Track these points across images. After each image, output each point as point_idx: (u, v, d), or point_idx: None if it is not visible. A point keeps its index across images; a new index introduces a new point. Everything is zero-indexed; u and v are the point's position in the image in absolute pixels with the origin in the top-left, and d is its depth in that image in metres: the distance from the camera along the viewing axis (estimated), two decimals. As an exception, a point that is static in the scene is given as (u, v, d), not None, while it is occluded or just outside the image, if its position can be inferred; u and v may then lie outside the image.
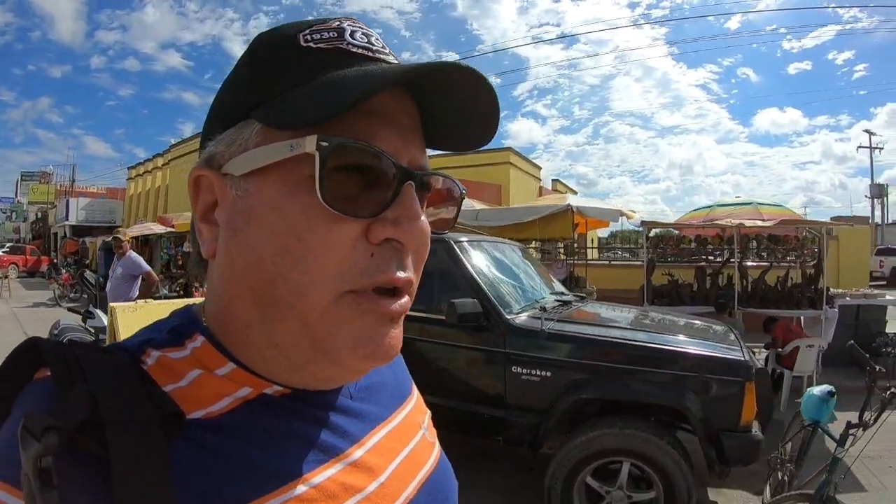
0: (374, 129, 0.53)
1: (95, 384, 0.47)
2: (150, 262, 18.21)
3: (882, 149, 46.60)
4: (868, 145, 46.04)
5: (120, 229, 10.43)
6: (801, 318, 8.69)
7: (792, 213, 9.99)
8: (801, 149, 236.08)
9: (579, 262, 14.27)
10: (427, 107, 0.59)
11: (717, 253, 10.81)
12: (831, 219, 13.67)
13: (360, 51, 0.56)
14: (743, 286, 9.30)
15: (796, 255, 10.68)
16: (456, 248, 4.65)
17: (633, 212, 11.95)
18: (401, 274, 0.55)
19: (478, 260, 4.75)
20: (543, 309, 4.55)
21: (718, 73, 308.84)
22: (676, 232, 12.46)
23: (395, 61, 0.59)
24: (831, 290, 9.65)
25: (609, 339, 4.09)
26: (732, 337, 4.62)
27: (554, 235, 11.56)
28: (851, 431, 3.51)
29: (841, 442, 3.51)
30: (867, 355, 3.87)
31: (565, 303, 5.01)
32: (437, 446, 0.77)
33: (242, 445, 0.52)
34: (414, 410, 0.77)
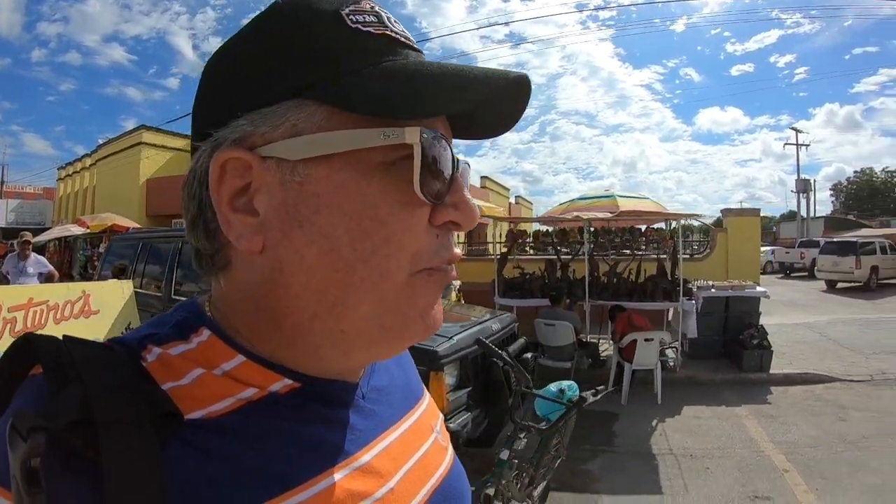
0: (435, 122, 0.57)
1: (89, 383, 0.47)
2: (70, 263, 18.04)
3: (808, 146, 52.12)
4: (795, 142, 50.32)
5: (25, 232, 10.37)
6: (671, 310, 9.37)
7: (654, 205, 10.42)
8: (743, 147, 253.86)
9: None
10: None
11: (577, 246, 11.18)
12: (722, 210, 14.07)
13: (403, 40, 0.58)
14: (595, 278, 9.78)
15: (656, 248, 11.14)
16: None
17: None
18: (456, 251, 0.60)
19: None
20: None
21: (663, 73, 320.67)
22: (539, 227, 13.09)
23: (421, 51, 0.61)
24: (701, 281, 10.33)
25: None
26: (476, 328, 5.15)
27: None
28: (520, 434, 3.81)
29: (508, 444, 3.78)
30: (502, 354, 3.94)
31: None
32: (451, 450, 0.78)
33: (243, 448, 0.52)
34: (426, 413, 0.78)
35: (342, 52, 0.54)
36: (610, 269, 10.39)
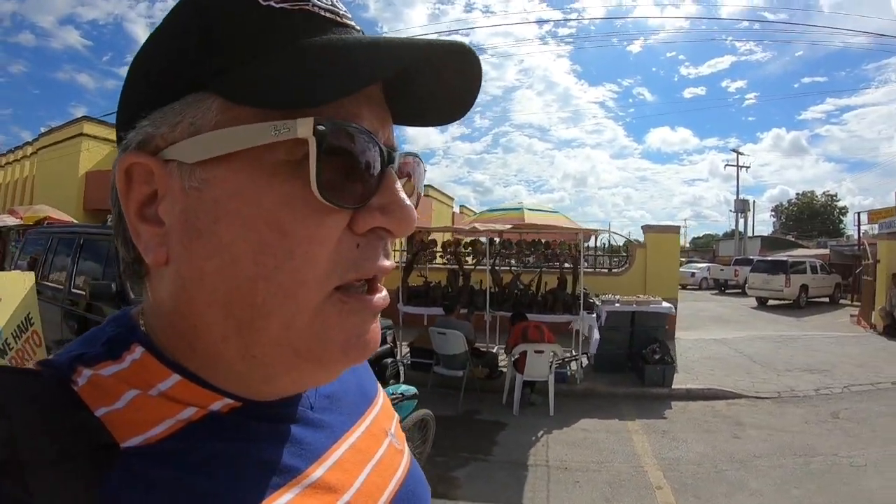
0: (358, 108, 0.51)
1: (13, 417, 0.44)
2: (2, 254, 17.42)
3: (749, 167, 55.64)
4: (736, 164, 52.28)
5: None
6: (584, 322, 9.21)
7: (563, 220, 10.58)
8: (691, 167, 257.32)
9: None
10: (403, 83, 0.56)
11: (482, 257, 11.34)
12: (643, 227, 14.32)
13: (328, 15, 0.52)
14: (500, 290, 10.06)
15: (561, 261, 11.21)
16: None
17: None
18: (386, 262, 0.54)
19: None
20: None
21: (618, 91, 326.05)
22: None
23: (360, 29, 0.55)
24: (608, 295, 10.52)
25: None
26: None
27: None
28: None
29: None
30: None
31: None
32: (407, 452, 0.76)
33: (185, 475, 0.48)
34: (380, 416, 0.75)
35: (246, 36, 0.49)
36: (511, 280, 10.53)
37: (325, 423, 0.63)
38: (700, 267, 38.31)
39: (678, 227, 14.98)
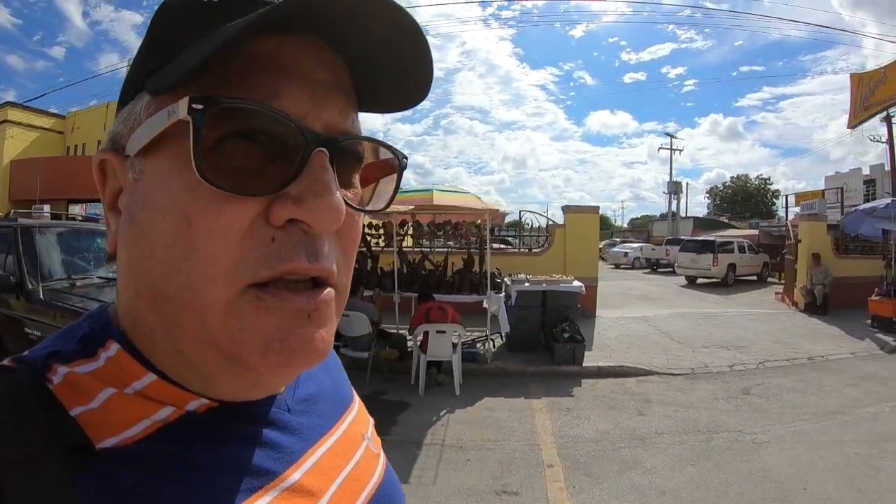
0: (275, 86, 0.49)
1: None
2: None
3: (682, 150, 57.55)
4: (670, 147, 54.51)
5: None
6: (492, 302, 9.11)
7: (472, 200, 10.59)
8: (630, 150, 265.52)
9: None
10: (349, 58, 0.54)
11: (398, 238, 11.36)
12: (563, 207, 14.31)
13: None
14: (409, 270, 10.09)
15: (465, 242, 11.42)
16: (20, 231, 6.17)
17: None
18: (311, 263, 0.49)
19: (39, 243, 6.16)
20: (73, 284, 5.82)
21: (559, 75, 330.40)
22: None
23: None
24: (519, 275, 10.46)
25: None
26: None
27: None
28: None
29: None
30: None
31: (109, 279, 6.13)
32: (383, 456, 0.76)
33: (162, 479, 0.47)
34: (356, 420, 0.75)
35: (180, 31, 0.50)
36: (417, 261, 10.53)
37: (301, 427, 0.62)
38: (633, 247, 39.09)
39: (597, 208, 15.06)
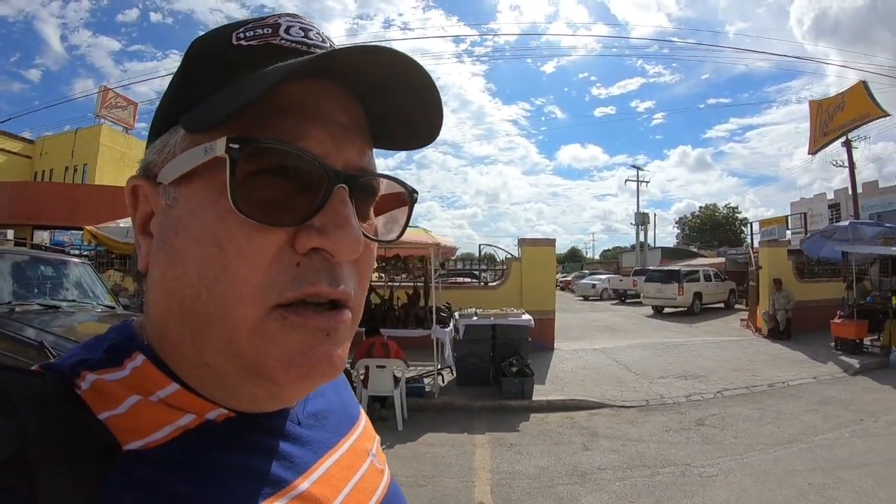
0: (301, 128, 0.53)
1: (22, 415, 0.46)
2: None
3: (649, 182, 58.76)
4: (636, 179, 55.25)
5: None
6: (437, 336, 9.04)
7: (420, 234, 10.39)
8: (601, 182, 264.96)
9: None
10: (365, 102, 0.59)
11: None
12: (519, 240, 14.19)
13: (293, 45, 0.56)
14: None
15: (413, 276, 11.61)
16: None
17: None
18: (331, 287, 0.54)
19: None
20: (13, 310, 5.56)
21: (530, 110, 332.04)
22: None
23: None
24: (467, 309, 10.44)
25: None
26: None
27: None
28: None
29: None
30: None
31: (49, 307, 5.92)
32: (387, 472, 0.78)
33: (181, 481, 0.50)
34: (362, 436, 0.77)
35: (211, 72, 0.56)
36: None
37: (311, 439, 0.65)
38: (601, 278, 39.41)
39: (553, 241, 15.02)
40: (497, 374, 9.31)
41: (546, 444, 6.96)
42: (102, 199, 18.28)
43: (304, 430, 0.64)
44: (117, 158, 37.36)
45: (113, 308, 6.66)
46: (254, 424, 0.58)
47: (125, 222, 8.96)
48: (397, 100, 0.58)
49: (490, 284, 14.51)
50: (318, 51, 0.56)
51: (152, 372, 0.55)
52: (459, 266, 18.83)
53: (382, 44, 0.52)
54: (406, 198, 0.66)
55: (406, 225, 0.67)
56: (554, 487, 5.61)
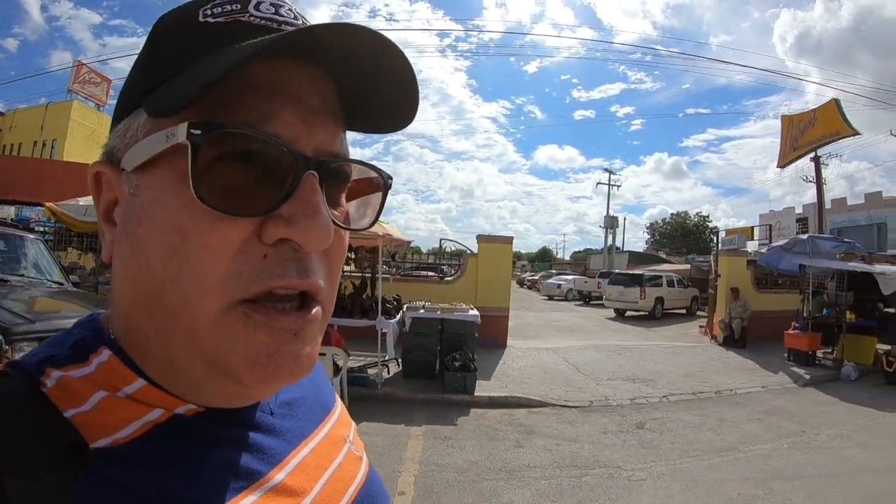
0: (270, 109, 0.51)
1: None
2: None
3: (620, 186, 59.63)
4: (608, 182, 56.82)
5: None
6: (381, 327, 9.00)
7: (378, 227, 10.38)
8: (577, 184, 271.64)
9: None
10: (339, 82, 0.56)
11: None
12: (477, 236, 14.14)
13: (263, 22, 0.54)
14: None
15: (365, 266, 11.56)
16: None
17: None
18: (300, 279, 0.52)
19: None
20: None
21: (510, 108, 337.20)
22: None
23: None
24: (415, 302, 10.48)
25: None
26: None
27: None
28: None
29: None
30: None
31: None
32: (365, 459, 0.77)
33: (152, 476, 0.49)
34: (338, 423, 0.76)
35: (175, 52, 0.53)
36: None
37: (284, 429, 0.64)
38: (567, 279, 39.80)
39: (510, 238, 15.08)
40: (443, 368, 9.29)
41: (480, 439, 6.91)
42: (68, 176, 17.83)
43: (277, 420, 0.64)
44: (87, 135, 36.96)
45: (62, 284, 6.71)
46: (225, 417, 0.57)
47: (85, 200, 8.77)
48: (371, 80, 0.56)
49: (445, 279, 14.51)
50: (289, 28, 0.54)
51: (118, 367, 0.54)
52: (431, 260, 18.71)
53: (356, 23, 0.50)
54: (380, 184, 0.64)
55: (379, 212, 0.65)
56: (479, 482, 5.56)
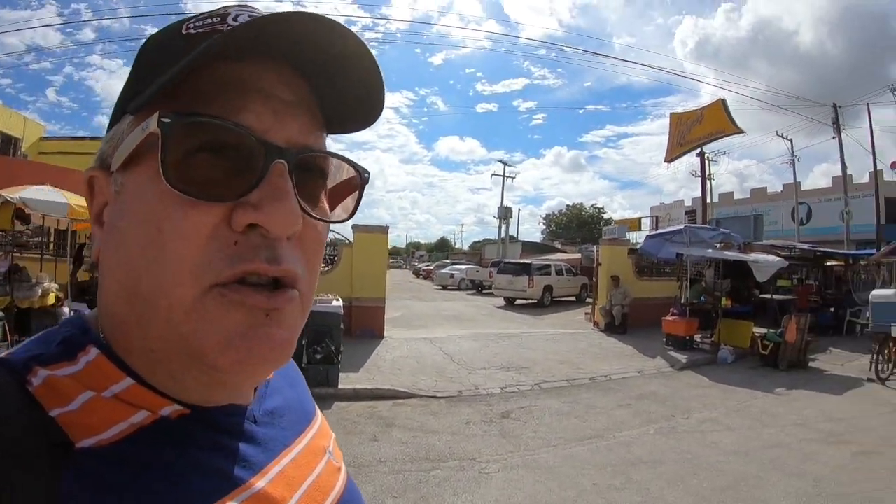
0: (240, 102, 0.53)
1: None
2: None
3: (514, 178, 60.44)
4: (503, 174, 56.92)
5: None
6: None
7: None
8: (477, 176, 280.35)
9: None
10: (309, 79, 0.58)
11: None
12: (353, 226, 14.07)
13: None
14: None
15: None
16: None
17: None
18: (270, 265, 0.52)
19: None
20: None
21: (414, 99, 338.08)
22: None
23: None
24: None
25: None
26: None
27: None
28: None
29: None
30: None
31: None
32: (344, 469, 0.76)
33: (135, 479, 0.49)
34: (319, 434, 0.75)
35: (159, 61, 0.54)
36: None
37: (267, 438, 0.63)
38: (460, 269, 39.97)
39: (386, 228, 15.11)
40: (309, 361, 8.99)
41: (337, 433, 6.36)
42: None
43: (261, 429, 0.63)
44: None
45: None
46: (209, 422, 0.57)
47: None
48: (339, 75, 0.57)
49: (322, 270, 14.05)
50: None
51: (106, 366, 0.54)
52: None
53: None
54: (357, 180, 0.64)
55: (356, 206, 0.65)
56: (320, 480, 5.23)
